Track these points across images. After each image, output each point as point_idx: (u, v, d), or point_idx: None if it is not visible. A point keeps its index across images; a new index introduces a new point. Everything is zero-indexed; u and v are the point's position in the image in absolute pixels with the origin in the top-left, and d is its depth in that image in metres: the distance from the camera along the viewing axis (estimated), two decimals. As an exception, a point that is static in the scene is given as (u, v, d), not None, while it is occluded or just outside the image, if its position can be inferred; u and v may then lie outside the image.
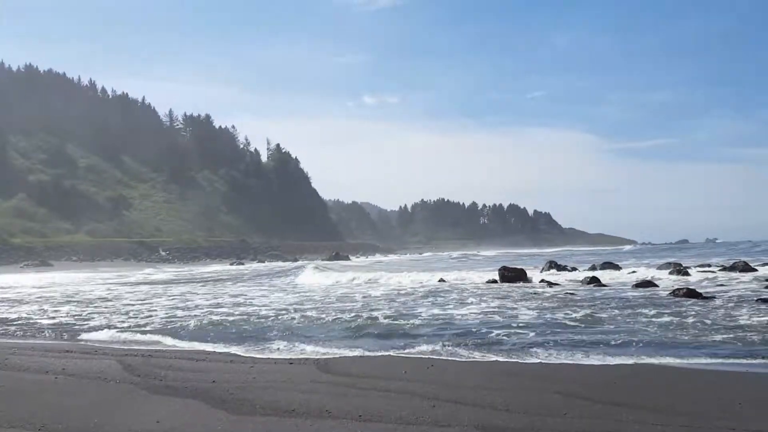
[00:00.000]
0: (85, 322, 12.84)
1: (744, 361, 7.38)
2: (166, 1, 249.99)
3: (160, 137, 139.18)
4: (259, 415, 5.34)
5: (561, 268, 30.08)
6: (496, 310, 13.46)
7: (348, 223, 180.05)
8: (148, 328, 11.63)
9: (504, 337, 9.49)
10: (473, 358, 7.99)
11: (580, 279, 23.49)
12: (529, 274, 26.35)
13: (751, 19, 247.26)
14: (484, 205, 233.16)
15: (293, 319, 12.64)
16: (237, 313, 14.00)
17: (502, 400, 5.59)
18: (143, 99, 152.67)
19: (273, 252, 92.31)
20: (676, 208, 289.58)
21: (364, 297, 17.96)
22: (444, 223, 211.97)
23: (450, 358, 7.96)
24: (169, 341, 10.04)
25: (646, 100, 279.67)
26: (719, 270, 25.34)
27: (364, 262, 70.37)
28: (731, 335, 9.11)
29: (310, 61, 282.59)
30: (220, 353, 8.73)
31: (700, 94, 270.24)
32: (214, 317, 13.15)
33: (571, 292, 17.72)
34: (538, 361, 7.65)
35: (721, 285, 18.60)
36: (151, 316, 13.79)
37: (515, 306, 14.11)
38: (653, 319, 11.14)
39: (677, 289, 16.09)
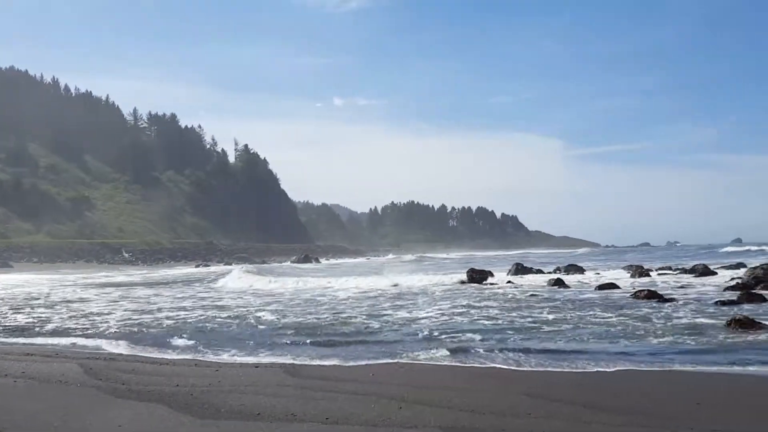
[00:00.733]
0: (46, 325, 12.52)
1: (702, 360, 7.57)
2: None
3: (124, 136, 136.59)
4: (224, 419, 5.28)
5: (527, 270, 30.42)
6: (462, 311, 13.56)
7: (318, 225, 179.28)
8: (110, 332, 11.40)
9: (469, 339, 9.56)
10: (440, 360, 8.04)
11: (545, 281, 23.79)
12: (496, 275, 26.62)
13: (713, 26, 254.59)
14: (453, 208, 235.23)
15: (259, 321, 12.54)
16: (198, 316, 13.82)
17: (468, 401, 5.63)
18: (107, 97, 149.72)
19: (240, 254, 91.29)
20: (639, 212, 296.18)
21: (331, 300, 17.91)
22: (414, 225, 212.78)
23: (417, 361, 7.99)
24: (131, 345, 9.85)
25: (611, 106, 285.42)
26: (680, 273, 26.00)
27: (329, 264, 70.20)
28: (690, 336, 9.34)
29: (280, 62, 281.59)
30: (184, 357, 8.60)
31: (665, 101, 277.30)
32: (179, 320, 12.95)
33: (535, 293, 17.95)
34: (504, 362, 7.72)
35: (682, 287, 19.07)
36: (113, 319, 13.52)
37: (481, 307, 14.23)
38: (615, 321, 11.36)
39: (639, 291, 16.44)
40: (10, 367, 7.57)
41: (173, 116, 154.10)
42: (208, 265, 64.74)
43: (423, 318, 12.50)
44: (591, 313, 12.74)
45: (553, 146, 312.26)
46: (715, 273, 25.51)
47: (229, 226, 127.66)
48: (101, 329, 11.77)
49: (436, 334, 10.10)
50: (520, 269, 30.42)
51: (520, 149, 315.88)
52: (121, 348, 9.51)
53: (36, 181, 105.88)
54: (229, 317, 13.46)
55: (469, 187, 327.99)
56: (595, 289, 19.23)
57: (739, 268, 26.50)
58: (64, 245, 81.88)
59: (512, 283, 23.42)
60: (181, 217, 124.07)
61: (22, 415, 5.44)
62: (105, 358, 8.29)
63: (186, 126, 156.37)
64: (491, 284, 23.09)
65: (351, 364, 7.84)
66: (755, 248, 51.45)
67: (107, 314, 14.47)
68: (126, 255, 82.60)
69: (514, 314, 12.79)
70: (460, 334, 9.99)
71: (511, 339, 9.54)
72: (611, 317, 11.89)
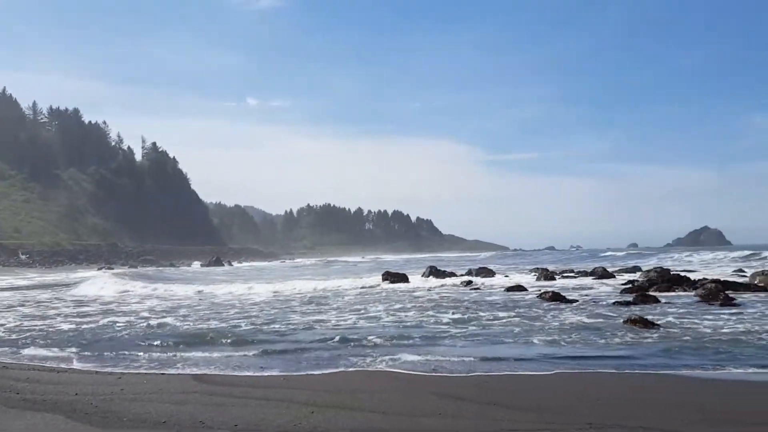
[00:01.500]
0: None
1: (600, 358, 8.00)
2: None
3: (22, 131, 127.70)
4: (126, 428, 5.04)
5: (440, 273, 31.05)
6: (375, 315, 13.65)
7: (230, 228, 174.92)
8: (3, 338, 10.60)
9: (381, 342, 9.62)
10: (353, 363, 8.04)
11: (458, 283, 24.41)
12: (411, 278, 27.01)
13: (610, 43, 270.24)
14: (370, 211, 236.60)
15: (165, 326, 12.08)
16: (105, 321, 13.15)
17: (379, 404, 5.67)
18: (4, 90, 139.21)
19: (147, 257, 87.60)
20: (545, 218, 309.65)
21: (241, 304, 17.52)
22: (330, 228, 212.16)
23: (329, 365, 7.95)
24: (27, 352, 9.21)
25: (520, 115, 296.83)
26: (581, 276, 27.41)
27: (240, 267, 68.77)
28: (591, 335, 9.84)
29: (192, 59, 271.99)
30: (84, 365, 8.13)
31: (569, 111, 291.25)
32: (80, 326, 12.25)
33: (448, 295, 18.36)
34: (414, 364, 7.82)
35: (583, 289, 20.09)
36: (7, 325, 12.58)
37: (394, 310, 14.38)
38: (520, 321, 11.79)
39: (544, 292, 17.17)
40: None
41: (76, 111, 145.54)
42: (112, 268, 61.71)
43: (335, 322, 12.47)
44: (498, 314, 13.15)
45: (466, 152, 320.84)
46: (613, 276, 27.08)
47: (135, 227, 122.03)
48: (-10, 337, 10.93)
49: (347, 337, 10.08)
50: (434, 272, 31.01)
51: (434, 154, 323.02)
52: (17, 355, 8.87)
53: None
54: (129, 323, 12.87)
55: (385, 190, 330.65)
56: (504, 290, 19.91)
57: (635, 272, 28.29)
58: (-49, 247, 75.48)
59: (426, 285, 23.82)
60: (83, 218, 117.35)
61: None
62: (-6, 367, 7.71)
63: (90, 122, 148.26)
64: (406, 287, 23.39)
65: (263, 370, 7.69)
66: (649, 253, 55.07)
67: (2, 320, 13.47)
68: (23, 257, 77.19)
69: (426, 316, 13.00)
70: (372, 337, 10.03)
71: (423, 341, 9.69)
72: (517, 318, 12.33)
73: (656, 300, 14.86)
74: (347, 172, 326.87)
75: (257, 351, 9.05)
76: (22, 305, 17.74)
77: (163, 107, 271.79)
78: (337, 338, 9.98)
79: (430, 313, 13.66)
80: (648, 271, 21.99)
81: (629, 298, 15.48)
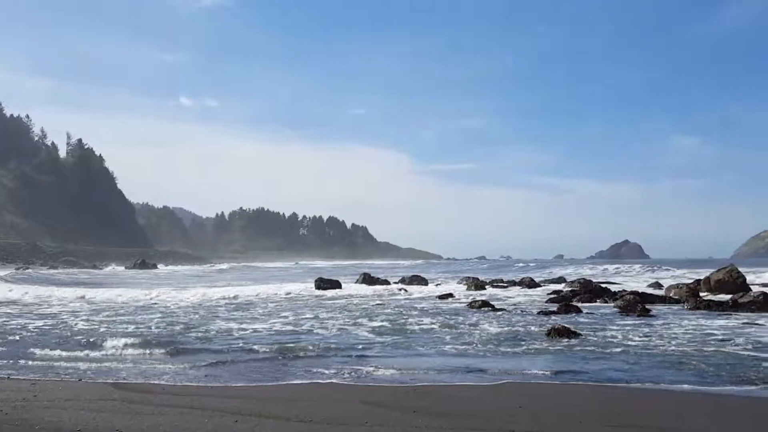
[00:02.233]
0: None
1: (525, 366, 8.23)
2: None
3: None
4: (36, 439, 4.80)
5: (373, 280, 31.18)
6: (303, 321, 13.57)
7: (158, 229, 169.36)
8: None
9: (310, 349, 9.55)
10: (281, 371, 7.95)
11: (391, 290, 24.58)
12: (344, 285, 26.99)
13: (548, 60, 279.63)
14: (305, 217, 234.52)
15: (78, 330, 11.58)
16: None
17: (306, 412, 5.63)
18: None
19: (68, 258, 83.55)
20: (478, 227, 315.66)
21: (172, 306, 17.00)
22: (263, 232, 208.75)
23: (256, 373, 7.84)
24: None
25: (457, 127, 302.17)
26: (510, 285, 28.16)
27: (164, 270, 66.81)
28: (516, 344, 10.11)
29: (124, 55, 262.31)
30: (-7, 371, 7.69)
31: (505, 125, 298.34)
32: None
33: (381, 303, 18.45)
34: (341, 372, 7.81)
35: (511, 298, 20.65)
36: None
37: (323, 318, 14.33)
38: (450, 330, 11.99)
39: (473, 301, 17.54)
40: None
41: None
42: (29, 268, 58.56)
43: (262, 329, 12.30)
44: (428, 321, 13.31)
45: (404, 161, 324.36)
46: (540, 285, 27.99)
47: (57, 226, 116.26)
48: None
49: (275, 345, 9.95)
50: (367, 279, 31.12)
51: (372, 162, 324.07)
52: None
53: None
54: (46, 326, 12.27)
55: (321, 196, 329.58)
56: (435, 298, 20.21)
57: (560, 282, 29.30)
58: None
59: (359, 292, 23.85)
60: (1, 216, 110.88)
61: None
62: None
63: (11, 115, 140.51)
64: (338, 293, 23.34)
65: (187, 378, 7.50)
66: (572, 267, 57.18)
67: None
68: (-71, 255, 72.09)
69: (356, 323, 13.02)
70: (301, 345, 9.94)
71: (352, 349, 9.68)
72: (445, 326, 12.51)
73: (578, 310, 15.43)
74: (283, 176, 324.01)
75: (181, 358, 8.80)
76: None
77: (92, 103, 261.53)
78: (265, 346, 9.83)
79: (361, 320, 13.68)
80: (572, 282, 22.83)
81: (554, 307, 16.01)
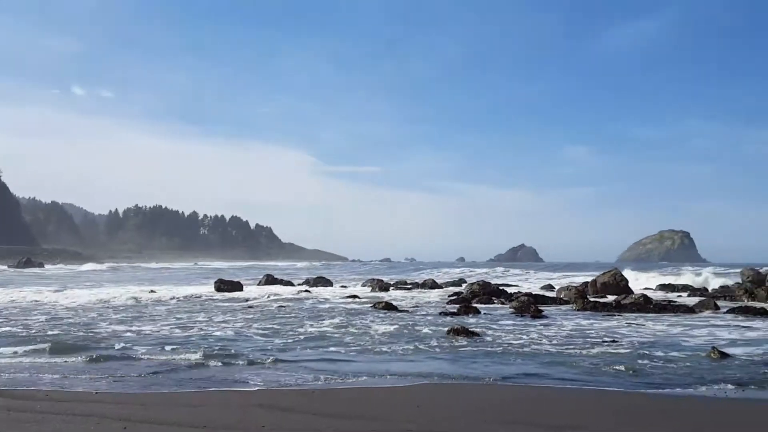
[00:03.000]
0: None
1: (425, 366, 8.37)
2: None
3: None
4: None
5: (277, 281, 30.79)
6: (202, 324, 13.15)
7: (45, 226, 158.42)
8: None
9: (206, 352, 9.21)
10: (174, 376, 7.63)
11: (294, 292, 24.31)
12: (246, 287, 26.40)
13: (454, 69, 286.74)
14: (206, 216, 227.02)
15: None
16: None
17: (202, 417, 5.42)
18: None
19: (-60, 255, 76.49)
20: (383, 230, 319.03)
21: (56, 307, 15.91)
22: (160, 231, 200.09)
23: (145, 378, 7.47)
24: None
25: (363, 130, 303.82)
26: (413, 287, 28.66)
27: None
28: (417, 344, 10.26)
29: (11, 41, 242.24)
30: None
31: (409, 130, 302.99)
32: None
33: (284, 305, 18.20)
34: (238, 377, 7.59)
35: (414, 299, 21.02)
36: None
37: (221, 320, 13.96)
38: (353, 331, 12.00)
39: (377, 302, 17.69)
40: None
41: None
42: None
43: (154, 333, 11.76)
44: (331, 323, 13.26)
45: (311, 161, 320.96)
46: (442, 287, 28.72)
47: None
48: None
49: (168, 350, 9.52)
50: (270, 280, 30.67)
51: (278, 161, 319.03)
52: None
53: None
54: None
55: (223, 195, 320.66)
56: (340, 299, 20.20)
57: (461, 284, 30.19)
58: None
59: (262, 294, 23.40)
60: None
61: None
62: None
63: None
64: (239, 295, 22.78)
65: (71, 384, 7.02)
66: (472, 269, 59.15)
67: None
68: None
69: (256, 326, 12.76)
70: (196, 349, 9.58)
71: (251, 352, 9.46)
72: (348, 327, 12.53)
73: (477, 311, 15.95)
74: (182, 173, 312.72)
75: (63, 362, 8.24)
76: None
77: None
78: (157, 350, 9.40)
79: (261, 323, 13.43)
80: (472, 284, 23.59)
81: (454, 308, 16.45)
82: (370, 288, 26.96)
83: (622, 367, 8.21)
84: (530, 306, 16.33)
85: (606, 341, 10.73)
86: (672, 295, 23.92)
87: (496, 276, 43.63)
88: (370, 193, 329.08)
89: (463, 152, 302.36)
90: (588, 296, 20.58)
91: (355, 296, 21.36)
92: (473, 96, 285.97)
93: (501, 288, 23.75)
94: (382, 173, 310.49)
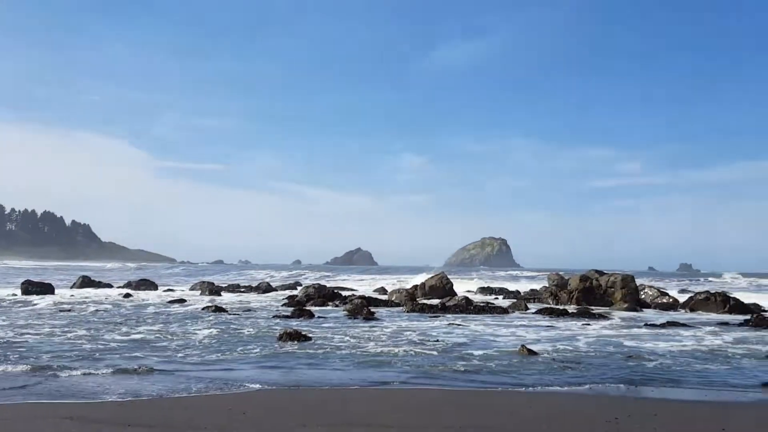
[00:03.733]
0: None
1: (255, 374, 8.19)
2: None
3: None
4: None
5: (94, 283, 28.59)
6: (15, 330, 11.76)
7: None
8: None
9: (8, 361, 8.24)
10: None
11: (115, 295, 22.64)
12: (57, 289, 24.16)
13: (303, 68, 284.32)
14: (13, 210, 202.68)
15: None
16: None
17: (-8, 436, 4.81)
18: None
19: None
20: (214, 230, 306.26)
21: None
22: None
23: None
24: None
25: (201, 125, 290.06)
26: (246, 290, 28.05)
27: None
28: (246, 349, 10.01)
29: None
30: None
31: (249, 128, 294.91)
32: None
33: (101, 309, 16.84)
34: (45, 384, 6.88)
35: (247, 302, 20.56)
36: None
37: (25, 326, 12.60)
38: (176, 336, 11.41)
39: (207, 306, 17.06)
40: None
41: None
42: None
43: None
44: (150, 328, 12.52)
45: (138, 156, 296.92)
46: (276, 290, 28.45)
47: None
48: None
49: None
50: (86, 282, 28.36)
51: (101, 153, 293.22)
52: None
53: None
54: None
55: (36, 187, 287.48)
56: (166, 304, 19.14)
57: (296, 287, 30.12)
58: None
59: (76, 297, 21.45)
60: None
61: None
62: None
63: None
64: (50, 299, 20.68)
65: None
66: (308, 272, 59.38)
67: None
68: None
69: (67, 332, 11.66)
70: (-3, 357, 8.52)
71: (56, 360, 8.60)
72: (171, 333, 11.88)
73: (311, 314, 15.98)
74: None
75: None
76: None
77: None
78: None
79: (74, 328, 12.32)
80: (307, 287, 23.65)
81: (288, 311, 16.35)
82: (200, 291, 25.90)
83: (441, 366, 8.69)
84: (363, 308, 16.73)
85: (430, 341, 11.29)
86: (490, 298, 25.93)
87: (332, 279, 44.17)
88: (204, 192, 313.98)
89: (301, 154, 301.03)
90: (417, 298, 21.59)
91: (182, 300, 20.36)
92: (318, 99, 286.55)
93: (336, 291, 24.09)
94: (216, 171, 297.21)
